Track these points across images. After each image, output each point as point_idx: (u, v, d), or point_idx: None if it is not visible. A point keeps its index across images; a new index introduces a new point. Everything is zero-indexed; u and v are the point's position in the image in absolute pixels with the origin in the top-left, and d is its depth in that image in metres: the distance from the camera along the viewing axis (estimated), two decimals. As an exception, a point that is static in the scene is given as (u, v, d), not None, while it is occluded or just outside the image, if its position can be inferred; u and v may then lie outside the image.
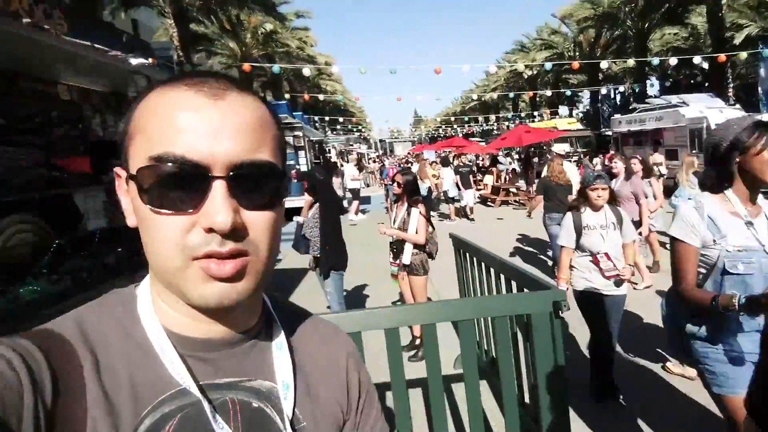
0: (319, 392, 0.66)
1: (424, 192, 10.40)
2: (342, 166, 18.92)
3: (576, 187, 5.36)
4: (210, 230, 0.51)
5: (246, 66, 16.71)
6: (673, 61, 17.84)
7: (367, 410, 0.73)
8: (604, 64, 20.20)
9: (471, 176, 13.19)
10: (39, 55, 3.24)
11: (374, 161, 35.88)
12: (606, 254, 3.26)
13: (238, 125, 0.53)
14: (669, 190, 7.02)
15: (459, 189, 12.53)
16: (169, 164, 0.50)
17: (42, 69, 3.61)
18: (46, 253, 3.52)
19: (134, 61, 4.22)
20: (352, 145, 42.42)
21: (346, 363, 0.72)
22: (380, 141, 73.88)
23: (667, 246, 2.23)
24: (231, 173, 0.52)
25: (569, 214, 3.44)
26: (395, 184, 4.34)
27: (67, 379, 0.50)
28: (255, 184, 0.54)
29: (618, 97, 30.58)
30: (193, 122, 0.51)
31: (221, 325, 0.59)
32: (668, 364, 3.79)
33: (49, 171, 3.76)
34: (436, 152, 26.19)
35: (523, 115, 42.72)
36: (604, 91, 27.17)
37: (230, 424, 0.56)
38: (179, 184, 0.51)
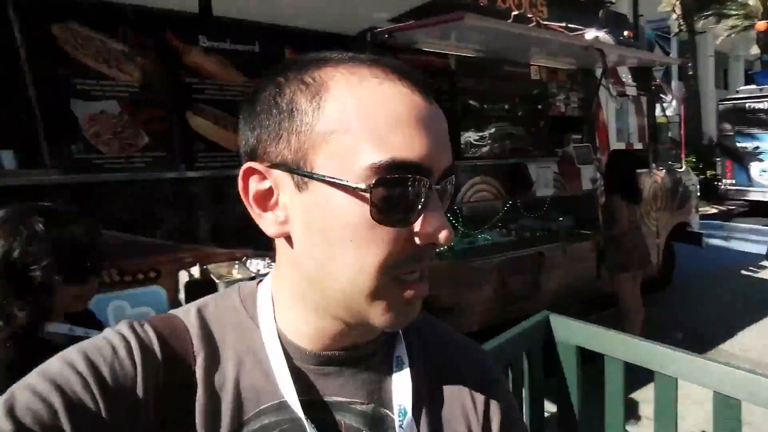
0: (444, 423, 0.57)
1: None
2: None
3: None
4: (427, 245, 0.47)
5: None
6: None
7: None
8: None
9: None
10: (521, 44, 3.79)
11: None
12: None
13: (443, 127, 0.48)
14: None
15: None
16: (397, 173, 0.44)
17: (520, 54, 4.21)
18: (499, 211, 4.22)
19: (589, 35, 4.24)
20: None
21: (483, 390, 0.60)
22: None
23: None
24: (442, 181, 0.48)
25: None
26: None
27: (179, 370, 0.49)
28: (451, 191, 0.50)
29: None
30: (416, 123, 0.45)
31: (345, 341, 0.54)
32: None
33: (512, 142, 4.42)
34: None
35: None
36: None
37: None
38: (404, 194, 0.45)
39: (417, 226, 0.46)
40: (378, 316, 0.48)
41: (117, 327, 0.50)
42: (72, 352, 0.46)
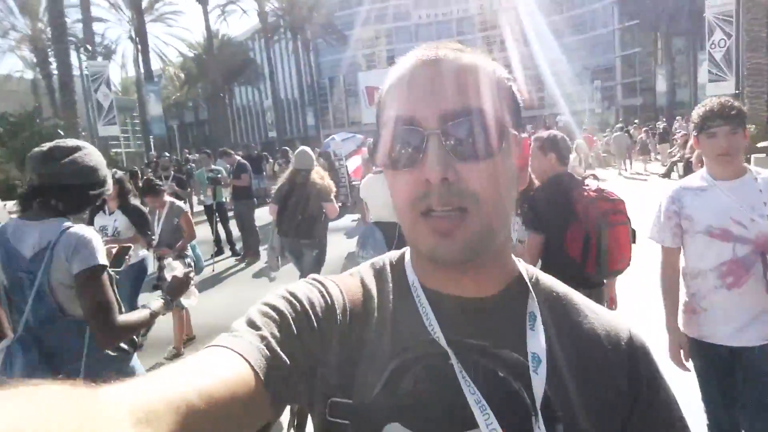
0: (582, 381, 0.58)
1: None
2: None
3: None
4: (436, 184, 0.53)
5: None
6: None
7: (654, 413, 0.61)
8: None
9: None
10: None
11: None
12: None
13: (449, 78, 0.55)
14: None
15: None
16: (393, 125, 0.56)
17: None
18: None
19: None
20: None
21: (623, 353, 0.61)
22: None
23: None
24: (444, 126, 0.54)
25: None
26: None
27: (357, 310, 0.61)
28: (469, 134, 0.54)
29: None
30: (408, 84, 0.56)
31: (463, 283, 0.60)
32: None
33: None
34: None
35: None
36: None
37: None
38: (400, 141, 0.56)
39: (422, 168, 0.54)
40: (422, 245, 0.57)
41: (310, 279, 0.64)
42: (305, 284, 0.62)
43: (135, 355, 1.95)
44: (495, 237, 0.57)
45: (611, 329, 0.63)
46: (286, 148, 14.05)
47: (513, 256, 0.66)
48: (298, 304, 0.58)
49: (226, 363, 0.49)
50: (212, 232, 8.46)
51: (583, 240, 2.43)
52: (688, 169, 5.79)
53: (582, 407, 0.57)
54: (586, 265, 2.44)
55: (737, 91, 13.36)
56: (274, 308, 0.56)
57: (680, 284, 2.10)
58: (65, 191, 1.73)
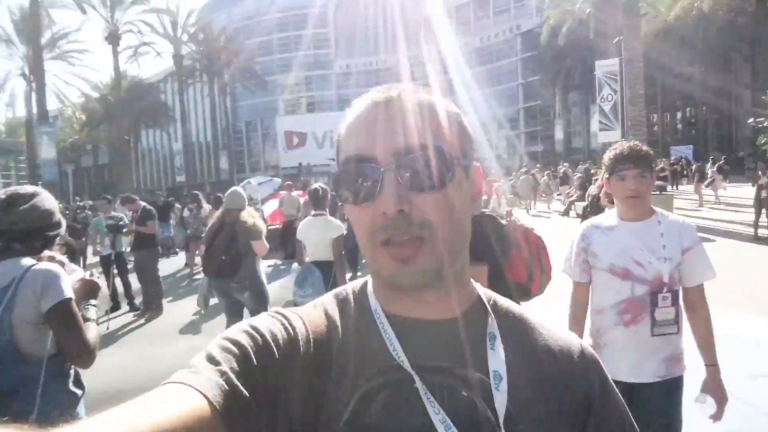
0: (540, 395, 0.61)
1: None
2: None
3: None
4: (392, 216, 0.56)
5: None
6: None
7: (608, 419, 0.66)
8: None
9: None
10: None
11: None
12: None
13: (398, 117, 0.58)
14: None
15: None
16: (348, 164, 0.60)
17: None
18: None
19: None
20: None
21: (577, 365, 0.66)
22: None
23: None
24: (398, 161, 0.57)
25: None
26: None
27: (320, 340, 0.61)
28: (422, 168, 0.57)
29: None
30: (361, 125, 0.60)
31: (425, 307, 0.62)
32: None
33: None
34: None
35: None
36: None
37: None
38: (355, 178, 0.59)
39: (379, 201, 0.57)
40: (383, 272, 0.60)
41: (272, 312, 0.64)
42: (267, 317, 0.62)
43: (82, 400, 1.96)
44: (453, 262, 0.60)
45: (564, 344, 0.67)
46: (197, 192, 13.42)
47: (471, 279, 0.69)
48: (259, 338, 0.57)
49: (182, 399, 0.48)
50: (108, 286, 7.58)
51: (525, 265, 2.52)
52: (594, 208, 6.34)
53: (542, 419, 0.60)
54: (531, 286, 2.52)
55: (623, 139, 15.01)
56: (234, 342, 0.56)
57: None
58: (27, 234, 1.84)
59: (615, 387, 0.68)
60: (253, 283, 4.56)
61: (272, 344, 0.57)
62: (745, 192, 13.89)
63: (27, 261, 1.80)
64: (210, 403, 0.48)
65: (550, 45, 30.79)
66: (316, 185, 5.03)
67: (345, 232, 4.49)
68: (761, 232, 9.66)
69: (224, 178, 37.89)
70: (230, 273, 4.44)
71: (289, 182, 12.65)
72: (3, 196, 1.83)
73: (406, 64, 52.97)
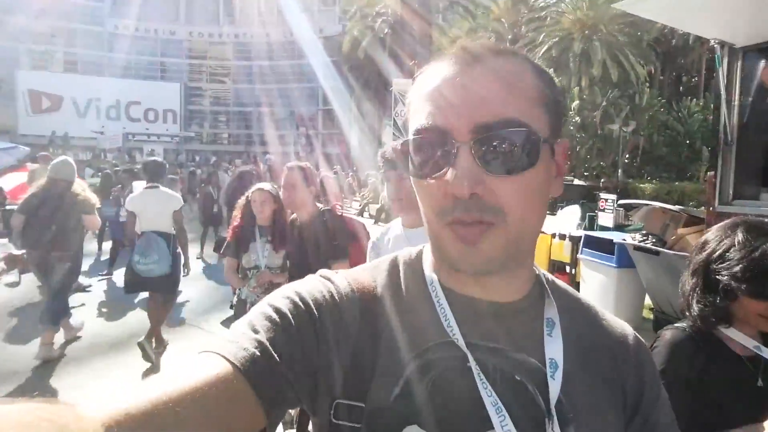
0: (593, 387, 0.60)
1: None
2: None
3: None
4: (462, 196, 0.52)
5: None
6: None
7: (656, 414, 0.64)
8: None
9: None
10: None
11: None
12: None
13: (486, 85, 0.53)
14: None
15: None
16: (421, 136, 0.56)
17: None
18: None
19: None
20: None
21: (632, 359, 0.64)
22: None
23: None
24: (476, 137, 0.53)
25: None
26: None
27: (369, 308, 0.60)
28: (502, 147, 0.53)
29: None
30: (439, 95, 0.55)
31: (484, 287, 0.60)
32: None
33: None
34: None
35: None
36: None
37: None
38: (428, 152, 0.55)
39: (451, 179, 0.53)
40: (446, 253, 0.57)
41: (319, 275, 0.64)
42: (313, 280, 0.63)
43: None
44: (520, 249, 0.58)
45: (621, 336, 0.66)
46: None
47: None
48: (302, 305, 0.57)
49: (213, 369, 0.48)
50: None
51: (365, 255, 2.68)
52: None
53: (592, 412, 0.59)
54: None
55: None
56: (276, 310, 0.56)
57: None
58: None
59: (662, 382, 0.67)
60: (76, 255, 4.67)
61: (315, 312, 0.57)
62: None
63: None
64: (241, 373, 0.49)
65: (350, 56, 31.55)
66: (154, 157, 4.80)
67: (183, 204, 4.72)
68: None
69: None
70: (60, 247, 4.41)
71: (44, 153, 10.46)
72: None
73: (203, 41, 48.30)
